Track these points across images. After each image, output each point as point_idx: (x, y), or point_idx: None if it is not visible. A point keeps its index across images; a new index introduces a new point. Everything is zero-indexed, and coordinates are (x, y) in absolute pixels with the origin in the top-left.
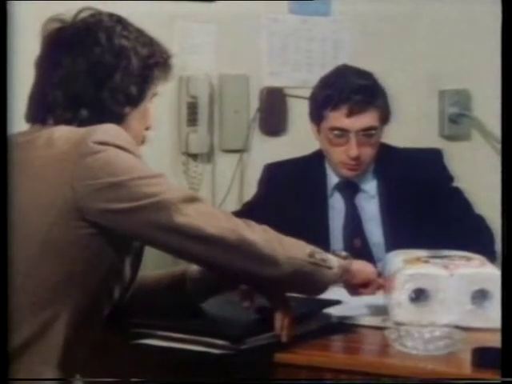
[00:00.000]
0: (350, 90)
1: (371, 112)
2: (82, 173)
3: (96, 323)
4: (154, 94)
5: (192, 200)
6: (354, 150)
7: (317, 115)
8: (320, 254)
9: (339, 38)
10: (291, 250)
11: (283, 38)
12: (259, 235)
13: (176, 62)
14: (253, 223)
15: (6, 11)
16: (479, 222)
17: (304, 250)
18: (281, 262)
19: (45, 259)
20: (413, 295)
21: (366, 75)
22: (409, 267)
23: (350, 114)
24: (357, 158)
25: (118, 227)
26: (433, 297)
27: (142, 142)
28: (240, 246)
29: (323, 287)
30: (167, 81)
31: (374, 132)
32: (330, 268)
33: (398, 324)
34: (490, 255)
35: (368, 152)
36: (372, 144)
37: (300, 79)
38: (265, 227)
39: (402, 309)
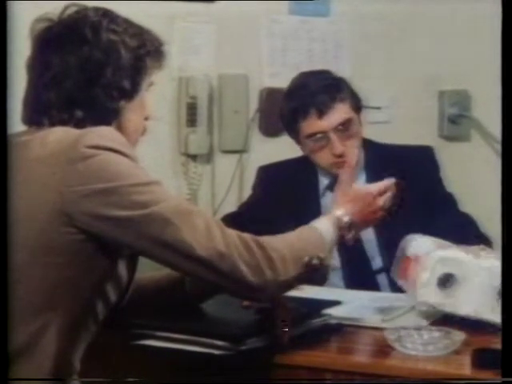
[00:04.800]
0: (311, 93)
1: (339, 106)
2: (71, 178)
3: (91, 328)
4: (150, 84)
5: (186, 214)
6: (337, 148)
7: (291, 130)
8: (317, 258)
9: (339, 39)
10: (286, 269)
11: (283, 38)
12: (251, 260)
13: (176, 62)
14: (250, 242)
15: (6, 11)
16: (464, 219)
17: (302, 261)
18: (269, 287)
19: (35, 265)
20: (441, 278)
21: (323, 74)
22: (441, 250)
23: (321, 115)
24: (343, 154)
25: (108, 234)
26: (459, 284)
27: (142, 133)
28: (228, 272)
29: (320, 282)
30: (161, 69)
31: (350, 123)
32: (327, 266)
33: (422, 304)
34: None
35: (352, 144)
36: (352, 135)
37: None
38: (263, 245)
39: (427, 289)
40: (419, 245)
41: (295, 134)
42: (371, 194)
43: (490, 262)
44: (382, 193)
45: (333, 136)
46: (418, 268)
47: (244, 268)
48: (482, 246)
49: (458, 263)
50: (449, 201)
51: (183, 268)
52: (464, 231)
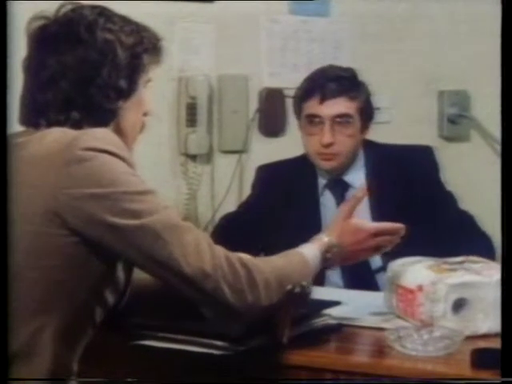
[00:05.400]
0: (323, 79)
1: (345, 100)
2: (65, 180)
3: (88, 331)
4: (148, 80)
5: (177, 229)
6: (326, 136)
7: (296, 109)
8: (300, 286)
9: (339, 39)
10: (268, 294)
11: (283, 38)
12: (235, 283)
13: (176, 62)
14: (237, 264)
15: (6, 11)
16: (465, 220)
17: (285, 288)
18: (250, 311)
19: (29, 268)
20: (455, 304)
21: (345, 69)
22: (446, 277)
23: (323, 100)
24: (330, 145)
25: (99, 240)
26: (474, 305)
27: (141, 129)
28: (211, 292)
29: (301, 308)
30: (159, 65)
31: (349, 120)
32: (308, 294)
33: (445, 336)
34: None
35: (344, 142)
36: (349, 134)
37: (299, 80)
38: (249, 269)
39: (446, 320)
40: (415, 275)
41: (298, 114)
42: (367, 231)
43: (496, 277)
44: (379, 233)
45: (327, 124)
46: (424, 299)
47: (227, 290)
48: (463, 258)
49: (468, 286)
50: (449, 199)
51: (169, 282)
52: (464, 230)
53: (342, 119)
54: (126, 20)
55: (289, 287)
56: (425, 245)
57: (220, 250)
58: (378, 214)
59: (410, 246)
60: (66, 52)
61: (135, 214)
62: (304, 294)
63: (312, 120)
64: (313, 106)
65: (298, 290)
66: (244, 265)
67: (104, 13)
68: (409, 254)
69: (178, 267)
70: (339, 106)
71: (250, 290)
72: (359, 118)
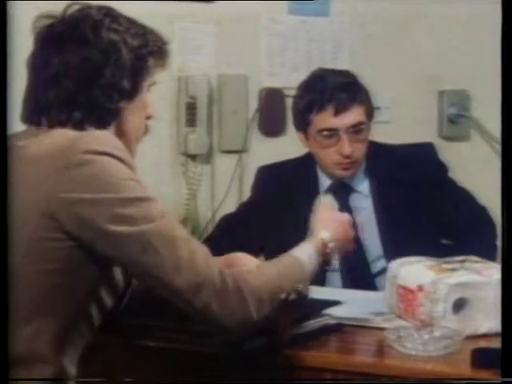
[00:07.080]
0: (332, 89)
1: (357, 108)
2: (64, 184)
3: (86, 334)
4: (152, 84)
5: (171, 240)
6: (346, 148)
7: (302, 122)
8: (295, 291)
9: (338, 39)
10: (260, 310)
11: (282, 38)
12: (225, 303)
13: (175, 62)
14: (229, 282)
15: (6, 11)
16: (480, 213)
17: (278, 298)
18: (240, 328)
19: (27, 271)
20: (455, 304)
21: (345, 73)
22: (446, 277)
23: (337, 112)
24: (350, 156)
25: (94, 244)
26: (474, 305)
27: (145, 132)
28: (200, 310)
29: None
30: (164, 68)
31: (362, 127)
32: (304, 297)
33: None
34: (490, 249)
35: (360, 148)
36: (362, 140)
37: (299, 80)
38: (240, 288)
39: (446, 320)
40: (415, 275)
41: (304, 127)
42: (348, 222)
43: (496, 277)
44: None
45: (343, 136)
46: (424, 299)
47: (216, 309)
48: (464, 257)
49: (469, 286)
50: (459, 195)
51: (159, 293)
52: (477, 228)
53: (356, 128)
54: (132, 22)
55: (283, 296)
56: (435, 241)
57: (215, 265)
58: (383, 216)
59: (424, 247)
60: (70, 51)
61: (130, 221)
62: (300, 298)
63: (326, 133)
64: (326, 120)
65: (293, 296)
66: (236, 282)
67: (110, 13)
68: (421, 255)
69: (166, 279)
70: (353, 115)
71: (240, 308)
72: (367, 120)
